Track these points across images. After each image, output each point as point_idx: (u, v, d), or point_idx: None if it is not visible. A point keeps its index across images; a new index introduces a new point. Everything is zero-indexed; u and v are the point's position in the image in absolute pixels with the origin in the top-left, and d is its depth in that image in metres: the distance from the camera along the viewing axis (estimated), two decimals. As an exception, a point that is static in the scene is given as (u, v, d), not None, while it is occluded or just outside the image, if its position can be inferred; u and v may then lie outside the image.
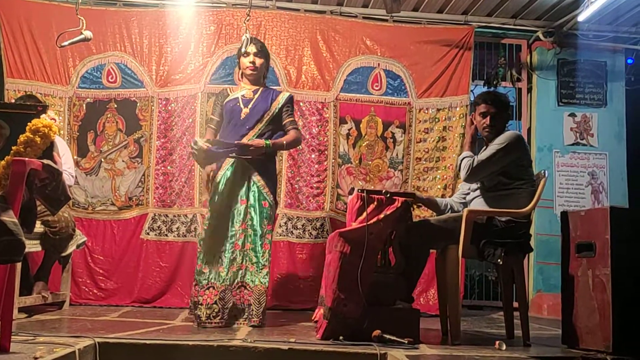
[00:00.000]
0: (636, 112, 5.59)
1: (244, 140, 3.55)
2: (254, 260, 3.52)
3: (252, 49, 3.71)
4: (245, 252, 3.53)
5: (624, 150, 5.44)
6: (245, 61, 3.73)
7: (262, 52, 3.77)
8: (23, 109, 2.67)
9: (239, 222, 3.55)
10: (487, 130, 3.41)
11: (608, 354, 2.79)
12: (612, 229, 2.86)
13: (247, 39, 3.78)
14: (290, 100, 3.79)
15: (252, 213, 3.56)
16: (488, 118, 3.40)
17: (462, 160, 3.37)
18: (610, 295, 2.83)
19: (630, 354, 2.76)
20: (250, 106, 3.67)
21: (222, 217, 3.57)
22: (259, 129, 3.64)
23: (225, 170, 3.61)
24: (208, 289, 3.45)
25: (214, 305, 3.42)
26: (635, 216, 2.99)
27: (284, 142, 3.66)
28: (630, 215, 3.01)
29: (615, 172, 5.39)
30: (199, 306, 3.42)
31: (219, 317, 3.41)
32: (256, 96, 3.72)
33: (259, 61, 3.73)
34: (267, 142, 3.57)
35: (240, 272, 3.52)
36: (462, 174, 3.36)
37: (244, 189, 3.58)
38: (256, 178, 3.60)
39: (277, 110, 3.70)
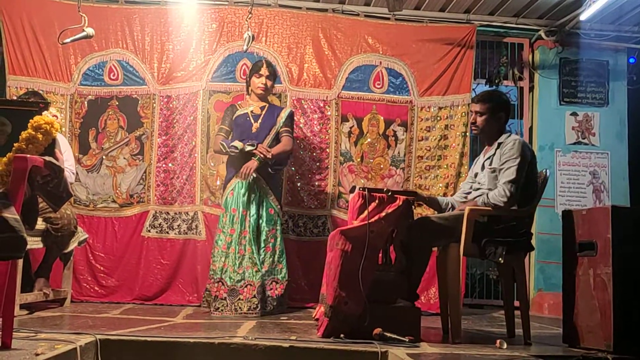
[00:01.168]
0: (638, 112, 5.57)
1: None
2: (279, 258, 4.09)
3: (265, 71, 4.23)
4: (273, 253, 4.07)
5: (626, 149, 5.43)
6: (257, 81, 4.24)
7: (273, 74, 4.31)
8: (25, 106, 2.67)
9: (264, 226, 4.07)
10: (473, 128, 3.46)
11: (609, 353, 2.79)
12: (614, 228, 2.86)
13: (249, 36, 4.07)
14: (291, 115, 4.40)
15: (263, 219, 4.09)
16: (474, 116, 3.45)
17: (486, 197, 3.22)
18: (611, 295, 2.83)
19: (631, 353, 2.76)
20: (260, 122, 4.20)
21: (243, 223, 4.02)
22: (268, 143, 4.16)
23: (237, 181, 4.09)
24: (246, 286, 3.92)
25: (253, 299, 3.89)
26: (636, 215, 2.98)
27: (273, 152, 4.10)
28: (631, 215, 3.00)
29: (616, 171, 5.38)
30: (240, 301, 3.88)
31: (258, 309, 3.87)
32: (263, 112, 4.25)
33: (269, 83, 4.27)
34: (258, 159, 4.05)
35: (273, 269, 4.06)
36: (501, 201, 3.17)
37: (254, 197, 4.07)
38: (263, 186, 4.12)
39: (281, 125, 4.24)
